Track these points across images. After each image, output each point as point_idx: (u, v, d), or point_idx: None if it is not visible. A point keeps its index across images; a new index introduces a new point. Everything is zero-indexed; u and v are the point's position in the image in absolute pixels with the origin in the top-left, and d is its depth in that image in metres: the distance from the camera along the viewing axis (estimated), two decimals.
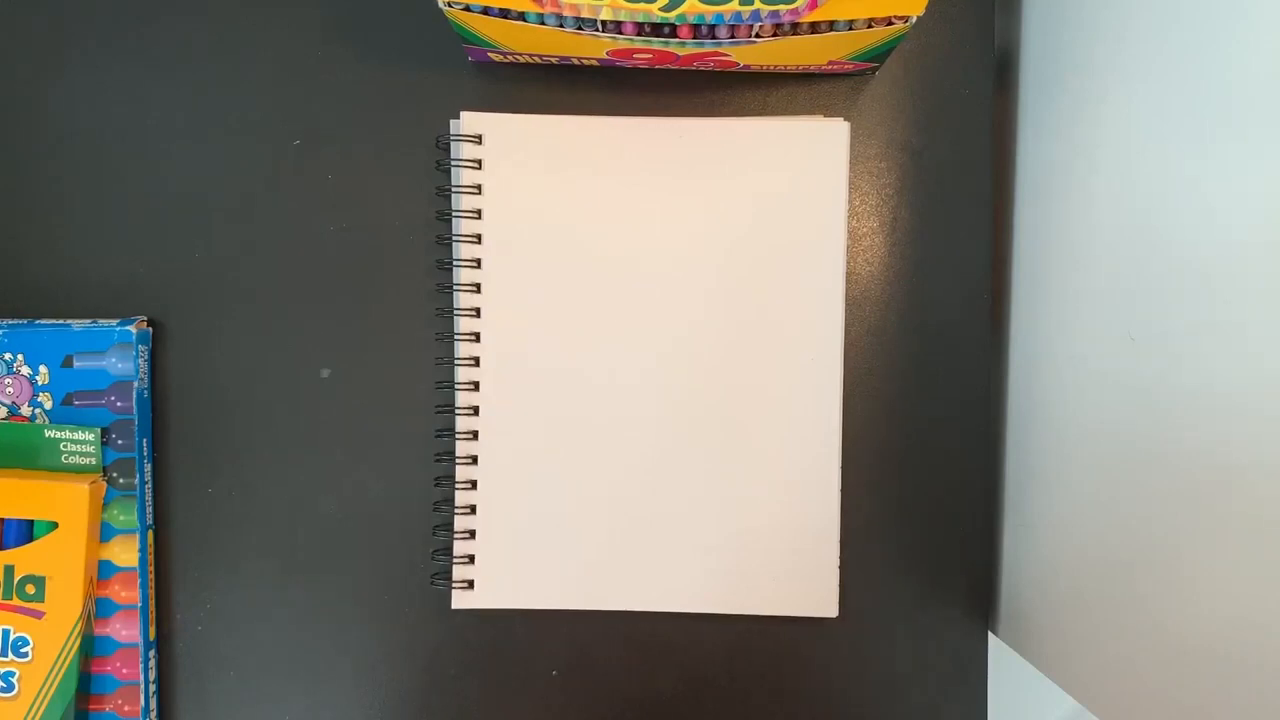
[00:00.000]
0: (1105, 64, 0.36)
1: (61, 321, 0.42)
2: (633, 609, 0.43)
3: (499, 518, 0.43)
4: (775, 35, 0.36)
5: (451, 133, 0.43)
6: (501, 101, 0.43)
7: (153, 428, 0.44)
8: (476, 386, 0.43)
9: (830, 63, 0.41)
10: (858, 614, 0.44)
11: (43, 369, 0.42)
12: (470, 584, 0.43)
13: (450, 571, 0.43)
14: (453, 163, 0.42)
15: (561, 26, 0.36)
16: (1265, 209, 0.27)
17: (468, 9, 0.35)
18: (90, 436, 0.42)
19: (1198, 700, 0.29)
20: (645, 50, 0.38)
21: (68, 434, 0.42)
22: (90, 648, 0.42)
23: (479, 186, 0.42)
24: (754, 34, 0.36)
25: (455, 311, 0.43)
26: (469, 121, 0.42)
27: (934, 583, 0.44)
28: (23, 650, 0.40)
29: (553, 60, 0.42)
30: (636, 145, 0.42)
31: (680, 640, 0.44)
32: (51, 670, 0.41)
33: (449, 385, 0.43)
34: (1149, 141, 0.33)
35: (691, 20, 0.34)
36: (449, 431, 0.43)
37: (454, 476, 0.43)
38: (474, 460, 0.43)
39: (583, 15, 0.35)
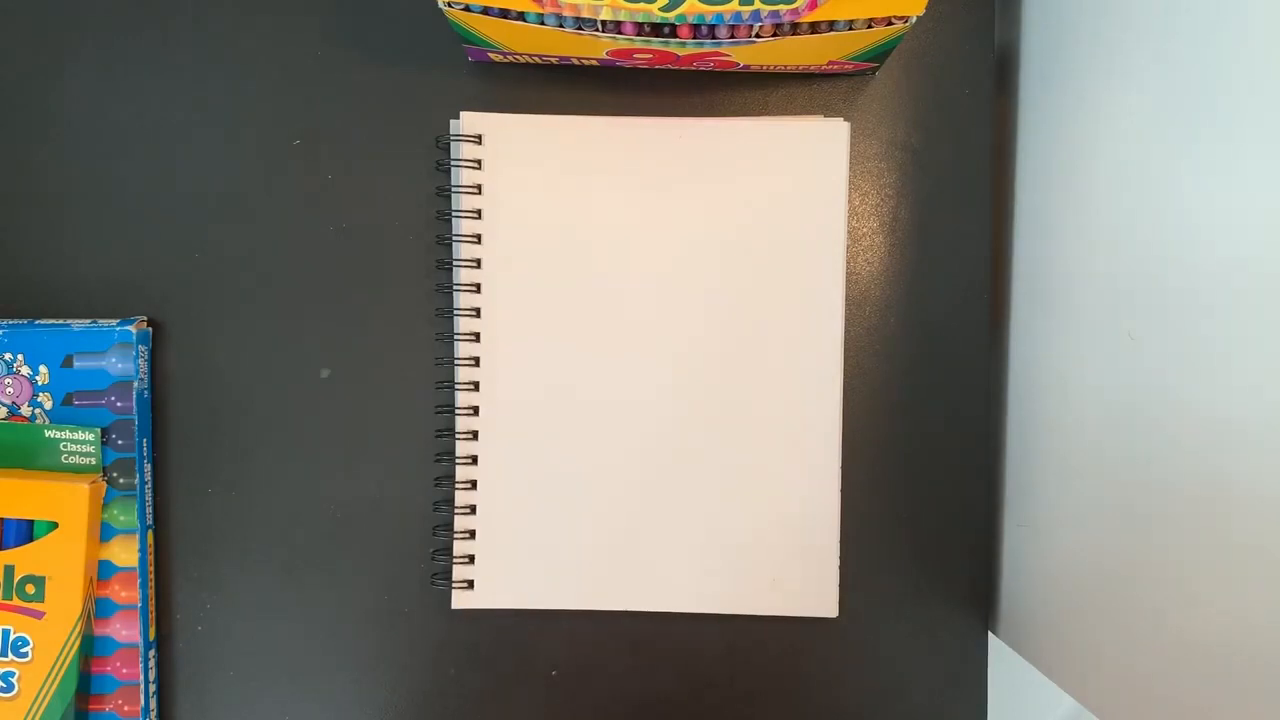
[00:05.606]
0: (1105, 64, 0.36)
1: (61, 321, 0.42)
2: (633, 609, 0.43)
3: (499, 518, 0.43)
4: (775, 35, 0.36)
5: (451, 133, 0.43)
6: (501, 101, 0.43)
7: (153, 428, 0.44)
8: (476, 386, 0.43)
9: (830, 63, 0.41)
10: (858, 614, 0.44)
11: (43, 369, 0.42)
12: (470, 584, 0.43)
13: (450, 571, 0.43)
14: (453, 163, 0.42)
15: (561, 26, 0.36)
16: (1264, 208, 0.27)
17: (468, 9, 0.35)
18: (90, 436, 0.42)
19: (1198, 701, 0.29)
20: (645, 50, 0.38)
21: (68, 434, 0.42)
22: (90, 648, 0.42)
23: (479, 186, 0.42)
24: (754, 34, 0.36)
25: (455, 311, 0.43)
26: (469, 121, 0.42)
27: (934, 583, 0.44)
28: (23, 650, 0.40)
29: (553, 60, 0.42)
30: (636, 145, 0.42)
31: (680, 640, 0.44)
32: (51, 670, 0.41)
33: (449, 385, 0.43)
34: (1148, 141, 0.33)
35: (691, 20, 0.34)
36: (449, 431, 0.43)
37: (454, 476, 0.43)
38: (474, 460, 0.43)
39: (583, 15, 0.35)
